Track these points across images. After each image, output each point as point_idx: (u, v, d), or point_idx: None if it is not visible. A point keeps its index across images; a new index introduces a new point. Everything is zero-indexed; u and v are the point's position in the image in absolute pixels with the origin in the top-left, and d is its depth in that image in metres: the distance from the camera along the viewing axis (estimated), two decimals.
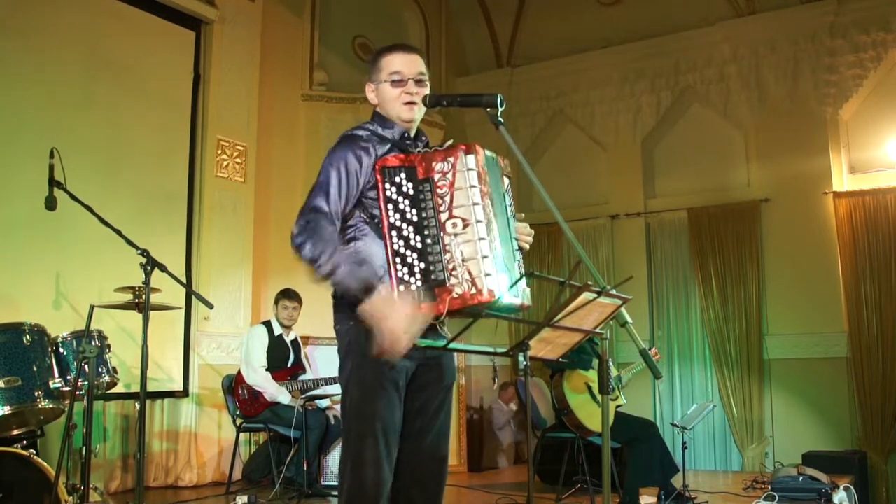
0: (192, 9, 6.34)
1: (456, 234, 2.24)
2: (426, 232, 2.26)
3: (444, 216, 2.26)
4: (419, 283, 2.23)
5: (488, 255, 2.21)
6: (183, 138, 6.30)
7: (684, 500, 5.05)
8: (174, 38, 6.29)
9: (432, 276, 2.22)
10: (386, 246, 2.27)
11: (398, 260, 2.25)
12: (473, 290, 2.19)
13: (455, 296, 2.20)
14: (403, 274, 2.24)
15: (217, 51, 6.49)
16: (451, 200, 2.26)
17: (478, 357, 7.53)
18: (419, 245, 2.26)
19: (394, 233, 2.27)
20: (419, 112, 2.50)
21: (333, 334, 2.40)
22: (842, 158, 7.34)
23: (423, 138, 2.52)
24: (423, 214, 2.28)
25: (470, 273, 2.20)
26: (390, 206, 2.28)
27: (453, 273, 2.22)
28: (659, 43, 8.09)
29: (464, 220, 2.24)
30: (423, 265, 2.24)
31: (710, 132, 8.06)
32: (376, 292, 2.12)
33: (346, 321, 2.30)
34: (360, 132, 2.42)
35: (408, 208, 2.28)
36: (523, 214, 2.53)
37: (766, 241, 7.50)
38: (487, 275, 2.19)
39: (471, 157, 2.29)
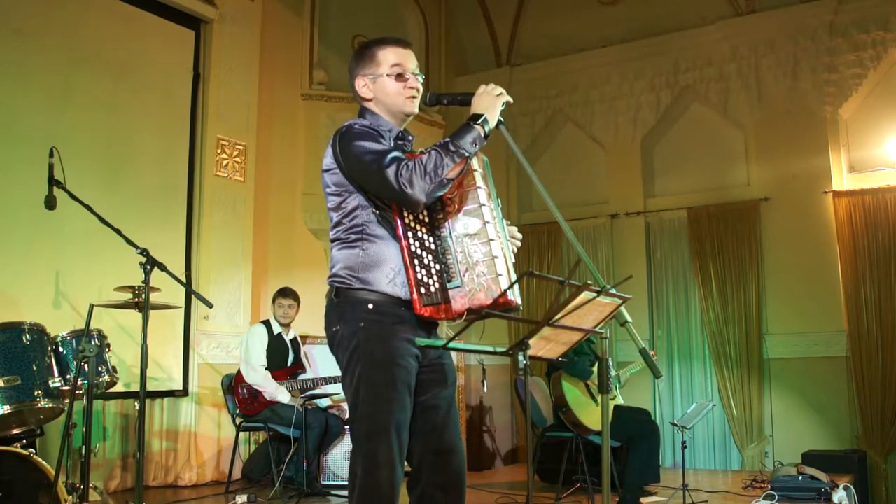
0: (192, 8, 6.34)
1: (467, 235, 2.25)
2: (438, 233, 2.28)
3: (453, 217, 2.28)
4: (436, 284, 2.24)
5: (499, 256, 2.24)
6: (183, 137, 6.30)
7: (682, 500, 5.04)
8: (174, 37, 6.29)
9: (448, 278, 2.23)
10: (402, 248, 2.27)
11: (416, 262, 2.26)
12: (489, 292, 2.20)
13: (471, 297, 2.21)
14: (422, 276, 2.25)
15: (217, 50, 6.49)
16: (460, 201, 2.28)
17: (477, 356, 7.53)
18: (433, 246, 2.27)
19: (409, 234, 2.27)
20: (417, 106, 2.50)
21: None
22: (841, 157, 7.34)
23: (411, 136, 2.50)
24: (435, 215, 2.29)
25: (484, 274, 2.22)
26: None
27: (467, 274, 2.23)
28: (658, 42, 8.08)
29: (474, 220, 2.26)
30: (438, 266, 2.25)
31: (709, 131, 8.05)
32: (478, 123, 2.31)
33: (352, 323, 2.28)
34: (364, 128, 2.36)
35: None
36: (509, 221, 2.53)
37: (766, 240, 7.49)
38: (500, 275, 2.21)
39: (474, 159, 2.32)
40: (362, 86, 2.46)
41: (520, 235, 2.51)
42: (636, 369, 5.82)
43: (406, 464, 2.33)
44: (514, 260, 2.37)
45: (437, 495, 2.33)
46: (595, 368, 5.31)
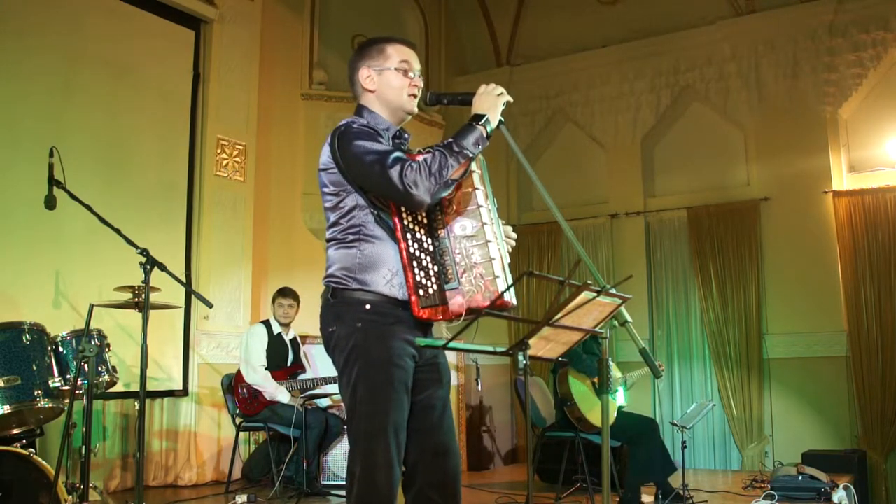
0: (192, 8, 6.34)
1: (465, 237, 2.25)
2: (436, 234, 2.28)
3: (451, 218, 2.27)
4: (434, 286, 2.23)
5: (496, 258, 2.23)
6: (183, 137, 6.30)
7: (682, 500, 5.05)
8: (174, 37, 6.29)
9: (446, 279, 2.23)
10: (401, 249, 2.26)
11: (415, 263, 2.25)
12: (487, 293, 2.20)
13: (469, 298, 2.21)
14: (420, 277, 2.25)
15: (217, 50, 6.49)
16: (459, 202, 2.28)
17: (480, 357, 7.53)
18: (431, 248, 2.27)
19: (408, 235, 2.27)
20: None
21: None
22: (841, 157, 7.34)
23: (407, 135, 2.50)
24: (433, 217, 2.29)
25: (482, 276, 2.22)
26: (403, 207, 2.28)
27: (464, 275, 2.23)
28: (658, 42, 8.08)
29: (472, 222, 2.25)
30: (436, 268, 2.25)
31: (709, 131, 8.06)
32: (480, 123, 2.30)
33: (349, 323, 2.27)
34: (363, 127, 2.34)
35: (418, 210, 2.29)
36: (505, 220, 2.53)
37: (766, 240, 7.49)
38: (497, 277, 2.21)
39: (472, 161, 2.31)
40: (366, 76, 2.44)
41: (514, 235, 2.50)
42: (645, 372, 5.79)
43: None
44: (508, 260, 2.37)
45: (433, 496, 2.32)
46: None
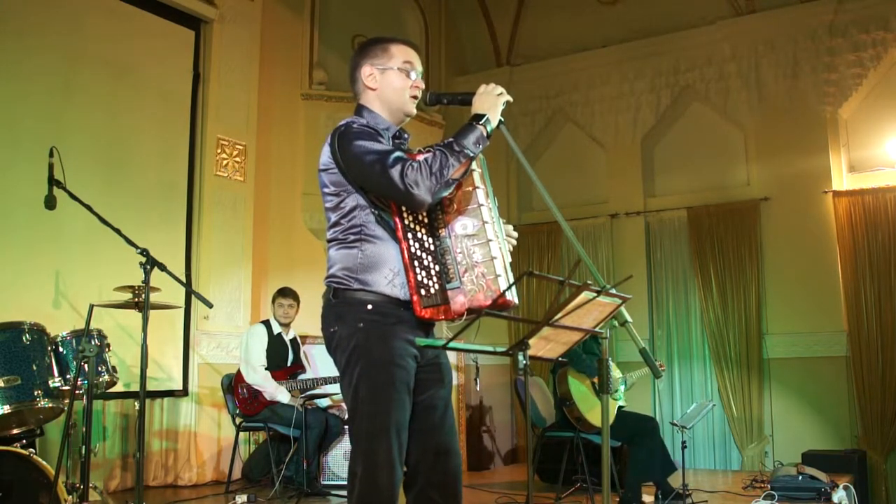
0: (192, 8, 6.34)
1: (466, 236, 2.25)
2: (437, 234, 2.28)
3: (452, 217, 2.27)
4: (436, 286, 2.23)
5: (498, 256, 2.24)
6: (183, 137, 6.30)
7: (682, 500, 5.05)
8: (174, 37, 6.29)
9: (447, 279, 2.23)
10: (403, 249, 2.26)
11: (416, 263, 2.25)
12: (488, 292, 2.20)
13: (471, 298, 2.21)
14: (422, 277, 2.25)
15: (217, 50, 6.50)
16: (459, 201, 2.28)
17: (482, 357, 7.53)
18: (433, 247, 2.27)
19: (409, 235, 2.27)
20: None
21: None
22: (841, 157, 7.34)
23: (406, 135, 2.50)
24: (434, 216, 2.29)
25: (483, 275, 2.22)
26: (404, 207, 2.28)
27: (466, 274, 2.23)
28: (658, 42, 8.09)
29: (472, 221, 2.25)
30: (437, 267, 2.25)
31: (709, 131, 8.06)
32: (480, 123, 2.30)
33: (351, 324, 2.27)
34: (363, 127, 2.34)
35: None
36: (506, 220, 2.52)
37: (766, 240, 7.49)
38: (499, 275, 2.21)
39: (473, 160, 2.31)
40: (368, 75, 2.43)
41: (515, 234, 2.50)
42: (645, 372, 5.78)
43: None
44: (510, 259, 2.37)
45: (435, 496, 2.32)
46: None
